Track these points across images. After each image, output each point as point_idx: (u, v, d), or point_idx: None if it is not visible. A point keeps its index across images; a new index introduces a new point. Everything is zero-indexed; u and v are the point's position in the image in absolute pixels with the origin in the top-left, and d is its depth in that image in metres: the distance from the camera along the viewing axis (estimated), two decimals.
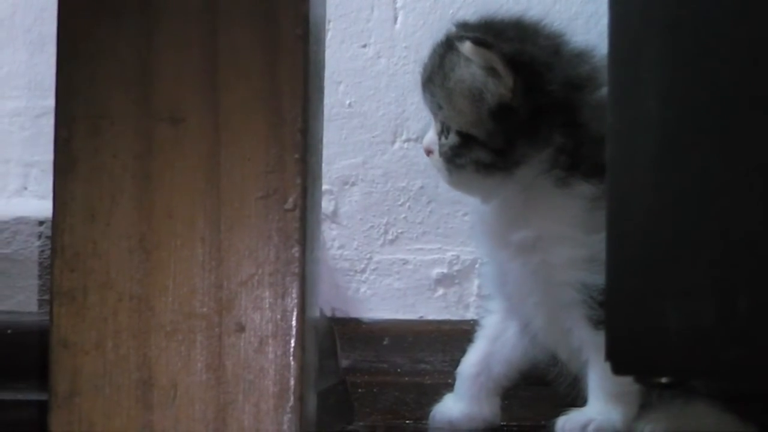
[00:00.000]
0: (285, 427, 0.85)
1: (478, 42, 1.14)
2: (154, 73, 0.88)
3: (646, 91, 0.84)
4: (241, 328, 0.86)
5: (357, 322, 1.39)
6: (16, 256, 1.29)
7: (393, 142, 1.42)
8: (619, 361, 0.84)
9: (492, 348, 1.25)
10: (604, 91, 1.16)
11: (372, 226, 1.41)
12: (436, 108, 1.19)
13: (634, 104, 0.86)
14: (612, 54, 0.88)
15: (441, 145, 1.19)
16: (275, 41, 0.88)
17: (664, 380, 0.85)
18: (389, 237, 1.41)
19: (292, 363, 0.86)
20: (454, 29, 1.21)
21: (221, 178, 0.88)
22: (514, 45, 1.15)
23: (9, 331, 1.23)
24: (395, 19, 1.43)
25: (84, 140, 0.88)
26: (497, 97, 1.15)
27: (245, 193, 0.87)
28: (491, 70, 1.15)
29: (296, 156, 0.87)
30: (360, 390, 1.35)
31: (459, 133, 1.17)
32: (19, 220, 1.31)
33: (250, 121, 0.88)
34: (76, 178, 0.88)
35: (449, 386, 1.27)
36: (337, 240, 1.40)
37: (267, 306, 0.87)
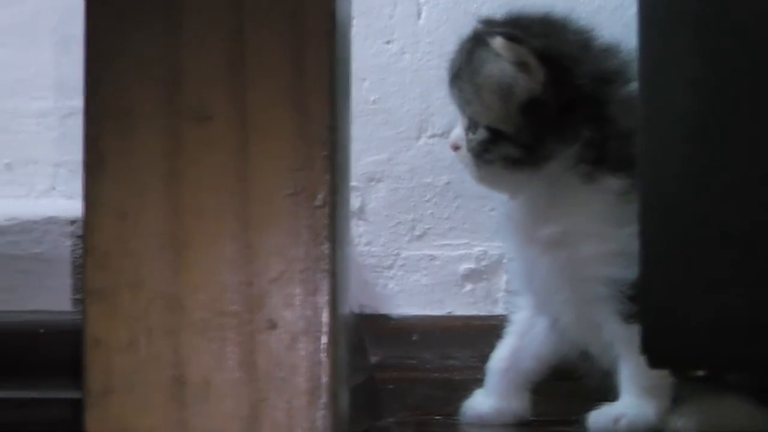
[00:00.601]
0: (318, 423, 0.85)
1: (509, 37, 1.15)
2: (181, 72, 0.88)
3: (676, 83, 0.84)
4: (273, 326, 0.86)
5: (385, 318, 1.39)
6: (48, 255, 1.30)
7: (418, 138, 1.42)
8: (655, 354, 0.84)
9: (521, 343, 1.25)
10: (633, 85, 1.16)
11: (399, 223, 1.41)
12: (464, 103, 1.20)
13: (665, 96, 0.85)
14: (642, 46, 0.88)
15: (469, 141, 1.19)
16: (301, 38, 0.88)
17: (700, 373, 0.85)
18: (416, 233, 1.41)
19: (325, 360, 0.86)
20: (479, 26, 1.21)
21: (249, 175, 0.88)
22: (543, 40, 1.15)
23: (42, 330, 1.24)
24: (419, 14, 1.43)
25: (112, 139, 0.88)
26: (527, 92, 1.15)
27: (274, 191, 0.87)
28: (522, 65, 1.15)
29: (324, 153, 0.87)
30: (389, 386, 1.35)
31: (487, 129, 1.17)
32: (49, 220, 1.31)
33: (277, 119, 0.88)
34: (106, 177, 0.88)
35: (478, 382, 1.27)
36: (364, 236, 1.40)
37: (298, 303, 0.87)
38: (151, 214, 0.87)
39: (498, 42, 1.15)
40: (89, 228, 0.87)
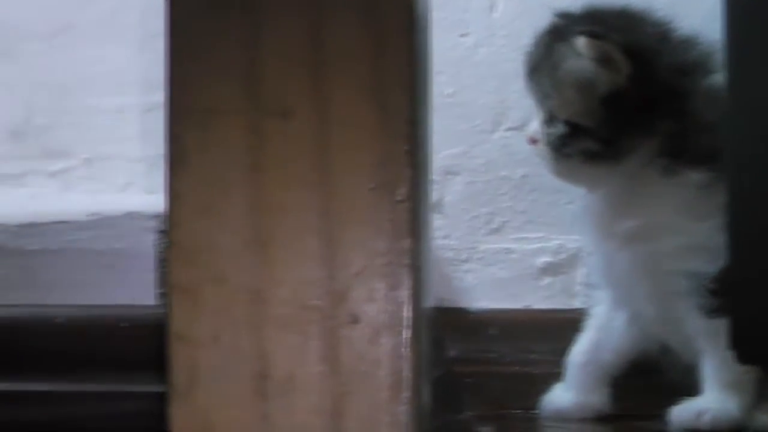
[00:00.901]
0: (400, 418, 0.85)
1: (592, 35, 1.14)
2: (262, 67, 0.89)
3: (763, 74, 0.83)
4: (355, 320, 0.86)
5: (463, 311, 1.39)
6: (130, 250, 1.31)
7: (494, 131, 1.42)
8: (744, 350, 0.83)
9: (601, 337, 1.25)
10: (713, 77, 1.15)
11: (476, 216, 1.41)
12: (542, 97, 1.19)
13: (752, 88, 0.84)
14: (728, 37, 0.87)
15: (547, 135, 1.19)
16: (380, 33, 0.88)
17: None
18: (493, 226, 1.41)
19: (407, 354, 0.86)
20: (557, 19, 1.20)
21: (331, 170, 0.88)
22: (624, 34, 1.15)
23: (126, 324, 1.25)
24: (494, 7, 1.43)
25: (195, 135, 0.89)
26: (609, 86, 1.15)
27: (356, 186, 0.87)
28: (604, 61, 1.14)
29: (405, 147, 0.87)
30: (467, 380, 1.35)
31: (566, 123, 1.17)
32: (130, 215, 1.32)
33: (358, 114, 0.88)
34: (189, 173, 0.88)
35: (556, 376, 1.27)
36: (441, 230, 1.40)
37: (380, 297, 0.87)
38: (234, 209, 0.88)
39: (582, 42, 1.14)
40: (173, 223, 0.88)
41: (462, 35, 1.43)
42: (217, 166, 0.88)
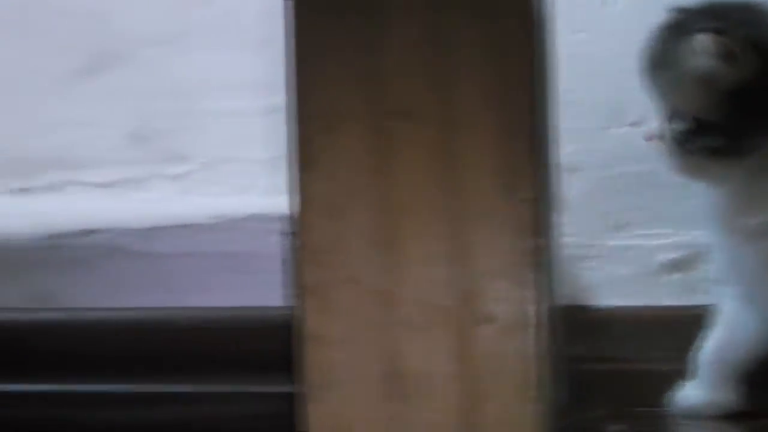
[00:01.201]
0: (530, 417, 0.86)
1: (715, 31, 1.13)
2: (384, 71, 0.89)
3: None
4: (484, 320, 0.87)
5: (585, 309, 1.39)
6: (254, 252, 1.32)
7: (613, 128, 1.41)
8: None
9: (729, 334, 1.24)
10: None
11: (596, 213, 1.41)
12: (663, 94, 1.18)
13: None
14: None
15: (669, 131, 1.18)
16: (501, 32, 0.88)
17: None
18: (614, 223, 1.40)
19: (536, 352, 0.86)
20: (675, 14, 1.19)
21: (455, 172, 0.88)
22: (746, 27, 1.14)
23: (252, 326, 1.27)
24: (607, 2, 1.42)
25: (321, 138, 0.90)
26: (733, 81, 1.13)
27: (480, 186, 0.88)
28: (727, 56, 1.13)
29: (528, 147, 0.88)
30: (593, 377, 1.35)
31: (690, 119, 1.16)
32: (252, 218, 1.34)
33: (480, 115, 0.88)
34: (317, 176, 0.89)
35: (680, 373, 1.26)
36: (564, 227, 1.40)
37: (507, 297, 0.87)
38: (361, 210, 0.89)
39: (705, 38, 1.13)
40: (303, 225, 0.89)
41: (576, 31, 1.43)
42: (343, 169, 0.89)
